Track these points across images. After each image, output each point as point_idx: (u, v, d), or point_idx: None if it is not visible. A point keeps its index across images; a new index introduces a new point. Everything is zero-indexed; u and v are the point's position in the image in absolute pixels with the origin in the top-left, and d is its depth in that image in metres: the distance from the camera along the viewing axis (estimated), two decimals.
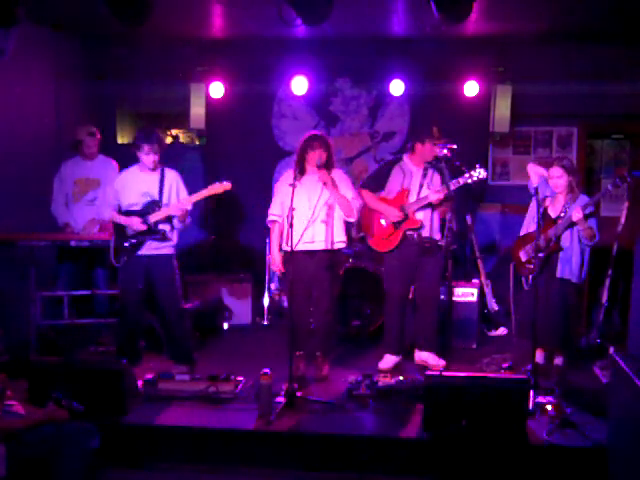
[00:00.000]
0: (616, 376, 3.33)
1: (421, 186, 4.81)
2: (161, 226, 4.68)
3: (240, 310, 6.25)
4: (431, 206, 4.79)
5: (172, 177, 4.81)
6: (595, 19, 5.53)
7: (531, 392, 3.92)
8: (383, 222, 4.85)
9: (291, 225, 4.25)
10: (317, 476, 3.65)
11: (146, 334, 5.51)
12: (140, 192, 4.70)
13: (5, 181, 5.22)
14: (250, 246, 6.76)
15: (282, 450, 3.73)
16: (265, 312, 6.30)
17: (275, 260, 4.74)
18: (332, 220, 4.65)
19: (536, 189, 4.36)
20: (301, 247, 4.54)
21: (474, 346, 5.51)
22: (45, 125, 5.95)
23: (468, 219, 6.18)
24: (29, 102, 5.68)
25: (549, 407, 3.97)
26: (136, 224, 4.64)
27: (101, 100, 6.79)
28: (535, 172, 4.67)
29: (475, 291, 5.57)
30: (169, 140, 7.78)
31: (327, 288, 4.66)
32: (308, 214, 4.57)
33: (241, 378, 4.41)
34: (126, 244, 4.67)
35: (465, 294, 5.55)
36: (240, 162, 6.71)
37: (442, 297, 5.30)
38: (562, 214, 4.51)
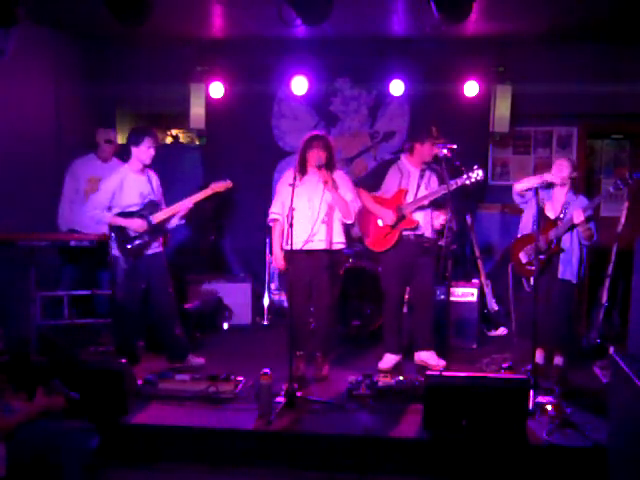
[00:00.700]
0: (616, 376, 3.33)
1: (419, 186, 4.81)
2: (165, 225, 4.77)
3: (240, 310, 6.25)
4: (431, 206, 4.80)
5: (155, 177, 4.91)
6: (595, 19, 5.53)
7: (531, 392, 3.92)
8: (380, 222, 4.85)
9: (291, 225, 4.24)
10: (317, 476, 3.65)
11: (145, 334, 5.54)
12: (138, 193, 4.72)
13: (5, 181, 5.22)
14: (250, 246, 6.76)
15: (282, 450, 3.73)
16: (265, 312, 6.31)
17: (277, 257, 4.74)
18: (332, 220, 4.65)
19: (536, 189, 4.36)
20: (302, 247, 4.55)
21: (474, 346, 5.51)
22: (45, 125, 5.95)
23: (468, 219, 6.18)
24: (29, 102, 5.68)
25: (549, 407, 3.96)
26: (139, 225, 4.65)
27: (101, 100, 6.79)
28: (532, 181, 4.65)
29: (475, 291, 5.57)
30: (169, 140, 7.79)
31: (327, 288, 4.66)
32: (308, 214, 4.57)
33: (241, 378, 4.42)
34: (129, 246, 4.66)
35: (465, 294, 5.55)
36: (240, 162, 6.71)
37: (442, 297, 5.31)
38: (562, 215, 4.52)
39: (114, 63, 6.73)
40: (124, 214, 4.68)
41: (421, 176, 4.83)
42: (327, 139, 4.63)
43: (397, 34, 6.24)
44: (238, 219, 6.86)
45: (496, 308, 6.04)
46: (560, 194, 4.64)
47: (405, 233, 4.78)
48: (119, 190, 4.67)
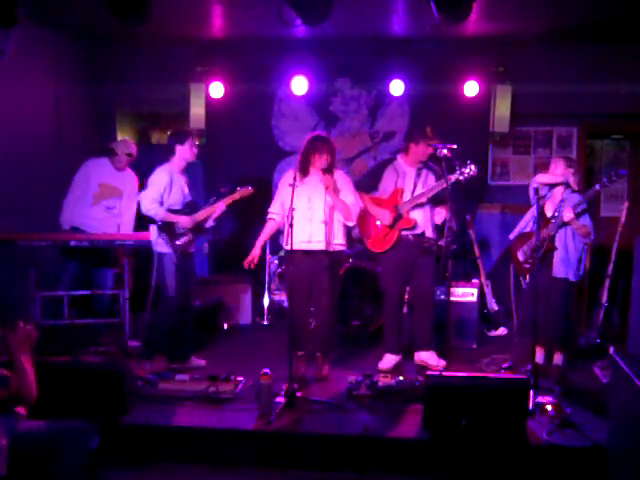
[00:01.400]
0: (616, 376, 3.33)
1: (415, 185, 4.82)
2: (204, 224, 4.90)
3: (240, 310, 6.25)
4: (429, 205, 4.80)
5: (185, 178, 4.98)
6: (595, 19, 5.53)
7: (531, 392, 3.92)
8: (379, 223, 4.85)
9: (291, 225, 4.25)
10: (317, 476, 3.64)
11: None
12: (181, 192, 4.82)
13: (5, 181, 5.23)
14: (250, 246, 6.75)
15: (282, 450, 3.73)
16: (265, 312, 6.31)
17: (254, 253, 4.70)
18: (332, 221, 4.65)
19: (536, 189, 4.38)
20: (301, 247, 4.56)
21: (474, 346, 5.51)
22: (45, 125, 5.95)
23: (468, 219, 6.18)
24: (29, 102, 5.68)
25: (549, 407, 3.96)
26: (187, 222, 4.74)
27: (101, 100, 6.80)
28: (545, 181, 4.66)
29: (475, 291, 5.57)
30: None
31: (327, 288, 4.66)
32: (308, 214, 4.57)
33: (241, 378, 4.41)
34: (178, 242, 4.74)
35: (465, 294, 5.55)
36: (240, 162, 6.71)
37: (442, 297, 5.31)
38: (556, 213, 4.53)
39: (114, 63, 6.73)
40: (172, 211, 4.75)
41: (417, 175, 4.84)
42: (331, 141, 4.64)
43: (397, 34, 6.25)
44: (237, 219, 6.86)
45: (496, 308, 6.04)
46: (558, 193, 4.65)
47: (404, 233, 4.78)
48: (169, 187, 4.74)
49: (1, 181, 5.20)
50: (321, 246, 4.60)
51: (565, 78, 6.31)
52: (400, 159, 4.90)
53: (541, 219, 4.44)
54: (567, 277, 4.56)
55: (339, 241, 4.69)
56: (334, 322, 4.87)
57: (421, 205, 4.79)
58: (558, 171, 4.60)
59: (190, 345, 4.94)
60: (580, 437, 3.66)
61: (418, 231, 4.80)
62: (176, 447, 3.76)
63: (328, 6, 4.28)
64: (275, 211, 4.78)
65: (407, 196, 4.81)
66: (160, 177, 4.74)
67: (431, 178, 4.85)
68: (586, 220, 4.51)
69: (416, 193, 4.79)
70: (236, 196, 4.87)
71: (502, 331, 6.00)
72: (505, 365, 4.38)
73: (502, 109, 6.33)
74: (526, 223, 4.80)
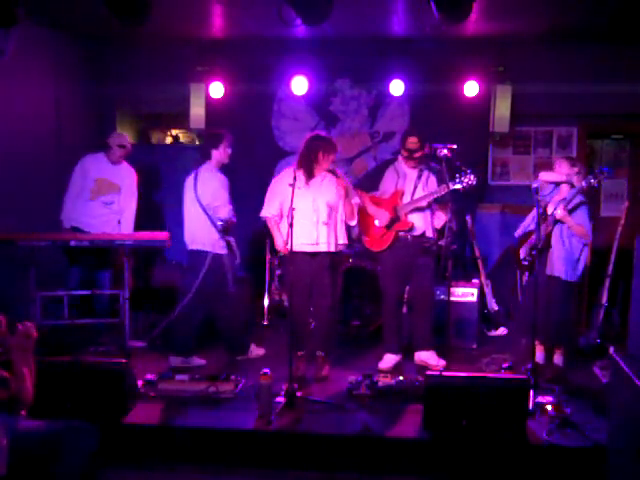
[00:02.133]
0: (616, 376, 3.33)
1: (415, 187, 4.80)
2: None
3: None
4: (430, 208, 4.79)
5: None
6: (595, 19, 5.53)
7: (531, 392, 3.92)
8: (377, 222, 4.85)
9: (291, 225, 4.24)
10: (317, 476, 3.65)
11: (147, 333, 5.55)
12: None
13: (5, 181, 5.23)
14: (250, 246, 6.76)
15: (282, 450, 3.73)
16: (265, 312, 6.30)
17: (281, 244, 4.65)
18: (334, 221, 4.65)
19: (536, 189, 4.37)
20: (305, 249, 4.55)
21: (474, 346, 5.51)
22: (45, 125, 5.95)
23: (468, 219, 6.18)
24: (29, 102, 5.68)
25: (549, 407, 3.97)
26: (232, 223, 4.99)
27: (101, 100, 6.80)
28: (548, 179, 4.67)
29: (475, 291, 5.57)
30: (169, 140, 7.79)
31: (327, 288, 4.66)
32: (311, 215, 4.55)
33: (241, 378, 4.41)
34: (229, 239, 4.93)
35: (465, 294, 5.55)
36: (240, 162, 6.70)
37: (442, 297, 5.31)
38: (554, 210, 4.53)
39: (114, 63, 6.73)
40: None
41: (418, 176, 4.82)
42: (333, 141, 4.64)
43: (397, 34, 6.24)
44: (237, 218, 6.84)
45: (496, 308, 6.04)
46: (563, 192, 4.66)
47: (402, 234, 4.78)
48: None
49: (1, 181, 5.20)
50: (327, 247, 4.60)
51: (565, 78, 6.31)
52: (401, 159, 4.89)
53: (542, 218, 4.45)
54: (559, 276, 4.58)
55: (341, 241, 4.70)
56: (334, 322, 4.88)
57: (420, 208, 4.78)
58: (563, 170, 4.61)
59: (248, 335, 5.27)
60: (580, 437, 3.66)
61: (416, 233, 4.79)
62: (176, 447, 3.76)
63: (328, 6, 4.28)
64: (275, 212, 4.70)
65: (407, 198, 4.80)
66: (222, 180, 4.96)
67: (432, 180, 4.84)
68: (583, 219, 4.51)
69: (416, 195, 4.78)
70: None
71: (502, 331, 6.00)
72: (505, 365, 4.38)
73: (502, 109, 6.33)
74: (530, 221, 4.81)
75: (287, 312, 4.61)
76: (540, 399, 4.05)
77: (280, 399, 4.03)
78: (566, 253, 4.56)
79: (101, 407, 3.80)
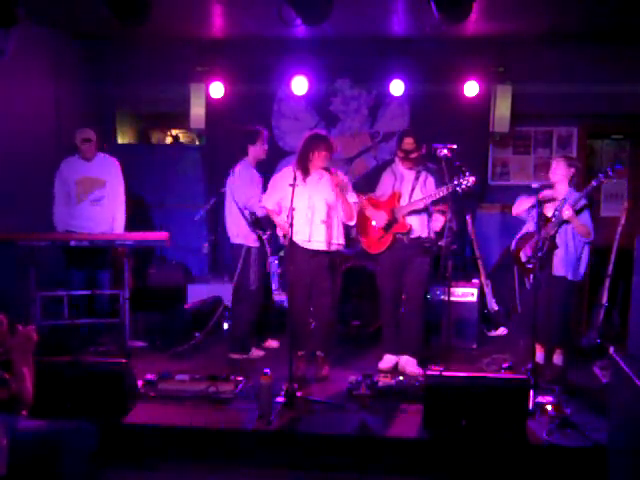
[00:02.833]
0: (616, 376, 3.33)
1: (413, 189, 4.76)
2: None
3: None
4: (427, 211, 4.77)
5: None
6: (595, 19, 5.53)
7: (531, 392, 3.92)
8: (374, 223, 4.83)
9: (291, 225, 4.24)
10: (317, 476, 3.65)
11: (147, 333, 5.55)
12: (259, 188, 5.11)
13: (5, 181, 5.22)
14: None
15: (282, 450, 3.73)
16: None
17: (283, 225, 4.64)
18: (332, 221, 4.65)
19: (536, 189, 4.38)
20: (304, 246, 4.57)
21: (474, 346, 5.51)
22: (45, 125, 5.95)
23: (468, 219, 6.18)
24: (29, 102, 5.68)
25: (549, 407, 3.97)
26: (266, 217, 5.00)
27: (101, 100, 6.79)
28: (524, 203, 4.77)
29: (475, 291, 5.57)
30: (169, 140, 7.79)
31: (327, 288, 4.66)
32: (308, 214, 4.56)
33: (241, 378, 4.41)
34: (265, 237, 5.08)
35: (465, 294, 5.55)
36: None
37: (442, 297, 5.31)
38: (556, 212, 4.54)
39: (114, 63, 6.73)
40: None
41: (416, 178, 4.78)
42: (330, 140, 4.63)
43: (397, 34, 6.24)
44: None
45: (496, 308, 6.04)
46: (560, 193, 4.66)
47: (399, 236, 4.76)
48: (256, 186, 5.10)
49: (1, 181, 5.20)
50: (321, 246, 4.60)
51: (565, 78, 6.31)
52: (398, 161, 4.85)
53: (541, 220, 4.45)
54: (566, 276, 4.57)
55: (339, 241, 4.69)
56: (334, 322, 4.88)
57: (418, 210, 4.75)
58: (559, 172, 4.62)
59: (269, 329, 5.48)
60: (580, 437, 3.66)
61: (414, 235, 4.77)
62: (176, 447, 3.76)
63: (328, 6, 4.28)
64: (271, 208, 4.75)
65: (405, 200, 4.76)
66: (252, 176, 5.12)
67: (430, 181, 4.79)
68: (586, 219, 4.52)
69: (414, 197, 4.73)
70: None
71: (502, 331, 6.00)
72: (505, 365, 4.38)
73: (502, 109, 6.33)
74: (526, 228, 4.81)
75: (287, 312, 4.61)
76: (540, 399, 4.04)
77: (280, 399, 4.03)
78: (570, 253, 4.56)
79: (101, 407, 3.80)
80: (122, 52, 6.67)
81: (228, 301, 6.15)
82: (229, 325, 5.73)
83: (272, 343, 5.49)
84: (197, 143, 7.30)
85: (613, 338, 5.20)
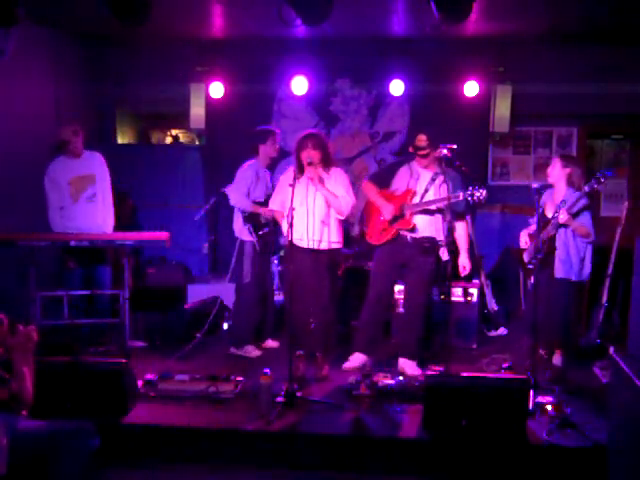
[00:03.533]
0: (616, 376, 3.33)
1: (426, 190, 4.73)
2: None
3: None
4: (440, 213, 4.73)
5: (269, 174, 5.38)
6: (595, 19, 5.53)
7: (531, 392, 3.92)
8: (382, 217, 4.82)
9: (291, 225, 4.25)
10: (317, 476, 3.64)
11: (147, 333, 5.55)
12: (265, 186, 5.22)
13: (5, 181, 5.22)
14: None
15: (282, 450, 3.73)
16: None
17: (276, 214, 4.89)
18: (329, 219, 4.65)
19: (537, 190, 4.39)
20: (298, 243, 4.58)
21: (474, 346, 5.51)
22: (45, 125, 5.94)
23: (468, 219, 6.16)
24: (29, 102, 5.68)
25: (549, 407, 3.96)
26: (269, 213, 5.05)
27: (101, 100, 6.80)
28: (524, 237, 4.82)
29: (475, 291, 5.57)
30: (169, 140, 7.79)
31: (326, 288, 4.66)
32: (303, 213, 4.57)
33: (241, 378, 4.41)
34: (261, 232, 5.12)
35: (465, 294, 5.55)
36: (240, 162, 6.68)
37: (442, 297, 5.30)
38: (555, 214, 4.55)
39: (114, 63, 6.73)
40: (256, 204, 5.13)
41: (432, 180, 4.72)
42: (319, 137, 4.64)
43: (397, 34, 6.25)
44: None
45: (496, 308, 6.04)
46: (559, 194, 4.67)
47: (402, 233, 4.76)
48: (255, 182, 5.16)
49: (1, 181, 5.20)
50: (315, 245, 4.61)
51: (565, 78, 6.31)
52: (416, 159, 4.81)
53: (542, 220, 4.46)
54: (569, 277, 4.58)
55: (335, 239, 4.69)
56: (333, 321, 4.87)
57: (429, 211, 4.73)
58: (555, 172, 4.64)
59: (269, 330, 5.46)
60: (580, 437, 3.66)
61: (417, 235, 4.76)
62: (176, 447, 3.76)
63: (328, 6, 4.28)
64: (277, 208, 4.87)
65: (417, 199, 4.74)
66: (248, 173, 5.17)
67: (444, 188, 4.68)
68: (586, 220, 4.52)
69: (426, 198, 4.72)
70: None
71: (502, 331, 6.00)
72: (505, 365, 4.38)
73: (502, 109, 6.34)
74: (531, 228, 4.82)
75: (286, 312, 4.62)
76: (540, 399, 4.04)
77: (280, 399, 4.03)
78: (571, 255, 4.57)
79: (101, 407, 3.80)
80: (122, 52, 6.67)
81: (228, 301, 6.18)
82: (229, 325, 5.77)
83: (271, 343, 5.49)
84: (197, 143, 7.30)
85: (613, 338, 5.20)
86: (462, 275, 4.85)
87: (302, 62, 6.42)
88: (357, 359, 4.82)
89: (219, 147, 6.83)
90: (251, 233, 5.11)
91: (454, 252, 4.72)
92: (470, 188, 4.54)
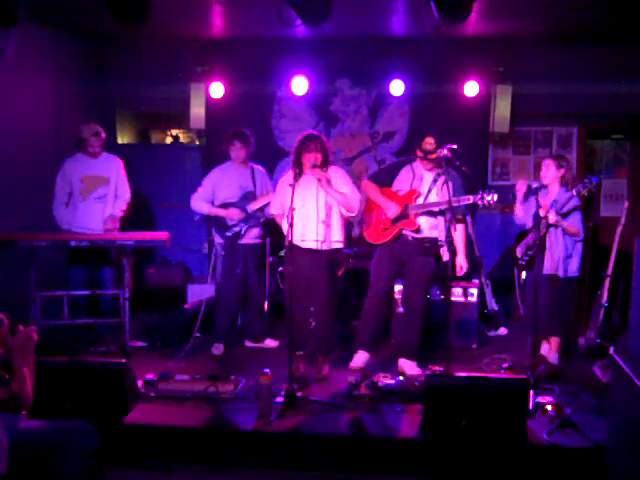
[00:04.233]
0: (616, 376, 3.34)
1: (429, 191, 4.73)
2: (259, 214, 5.26)
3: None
4: (443, 213, 4.72)
5: (260, 172, 5.44)
6: (595, 19, 5.53)
7: (531, 392, 3.92)
8: (384, 216, 4.80)
9: (291, 225, 4.25)
10: (317, 476, 3.65)
11: (147, 333, 5.55)
12: (238, 185, 5.25)
13: (5, 181, 5.22)
14: None
15: (282, 450, 3.73)
16: (265, 312, 6.28)
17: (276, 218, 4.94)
18: (331, 220, 4.65)
19: (536, 189, 4.42)
20: (301, 245, 4.58)
21: (474, 346, 5.51)
22: (45, 125, 5.94)
23: (468, 219, 6.17)
24: (29, 102, 5.67)
25: (549, 407, 3.97)
26: (235, 214, 5.18)
27: (101, 100, 6.80)
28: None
29: (475, 291, 5.57)
30: (169, 140, 7.79)
31: (326, 288, 4.66)
32: (303, 214, 4.57)
33: (241, 378, 4.42)
34: (228, 234, 5.14)
35: (465, 294, 5.55)
36: None
37: (442, 297, 5.30)
38: (546, 214, 4.58)
39: (114, 63, 6.73)
40: (224, 205, 5.23)
41: (434, 180, 4.72)
42: (321, 139, 4.63)
43: (397, 34, 6.25)
44: None
45: (496, 308, 6.04)
46: (552, 194, 4.71)
47: (405, 232, 4.76)
48: (219, 184, 5.26)
49: (1, 181, 5.20)
50: (317, 245, 4.60)
51: (565, 78, 6.31)
52: (419, 161, 4.80)
53: (538, 219, 4.48)
54: (557, 274, 4.63)
55: (337, 239, 4.69)
56: (333, 322, 4.87)
57: (432, 213, 4.72)
58: (550, 173, 4.70)
59: (263, 329, 5.50)
60: (580, 437, 3.66)
61: (419, 235, 4.76)
62: (176, 447, 3.76)
63: (328, 6, 4.28)
64: (275, 212, 4.86)
65: (421, 200, 4.73)
66: (210, 176, 5.34)
67: (446, 188, 4.63)
68: (576, 220, 4.61)
69: (429, 199, 4.71)
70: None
71: (502, 331, 6.00)
72: (505, 365, 4.38)
73: (502, 109, 6.33)
74: (528, 221, 4.84)
75: (286, 312, 4.62)
76: (540, 399, 4.05)
77: (280, 399, 4.03)
78: (558, 251, 4.65)
79: (101, 407, 3.80)
80: (122, 52, 6.67)
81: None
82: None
83: (270, 343, 5.49)
84: (197, 143, 7.29)
85: (613, 338, 5.20)
86: (458, 275, 4.85)
87: (302, 62, 6.41)
88: (361, 358, 4.82)
89: (219, 147, 6.79)
90: (217, 235, 5.21)
91: (453, 252, 4.71)
92: (480, 192, 4.53)
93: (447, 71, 6.35)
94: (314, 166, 4.52)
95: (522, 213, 4.85)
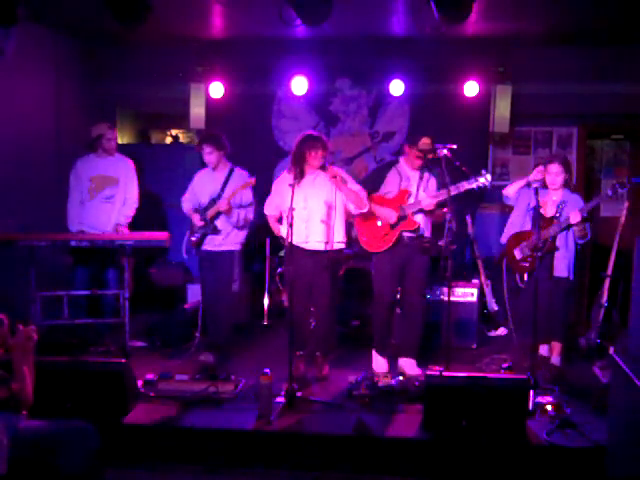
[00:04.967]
0: (616, 376, 3.33)
1: (418, 189, 4.76)
2: (217, 222, 5.03)
3: (239, 310, 6.24)
4: (425, 211, 4.75)
5: (238, 176, 5.14)
6: (595, 19, 5.53)
7: (531, 392, 3.92)
8: (379, 222, 4.81)
9: (291, 225, 4.24)
10: (317, 476, 3.64)
11: (147, 333, 5.55)
12: (208, 191, 5.10)
13: (5, 181, 5.22)
14: (249, 246, 6.75)
15: (282, 450, 3.73)
16: (265, 312, 6.29)
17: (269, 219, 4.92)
18: (331, 220, 4.64)
19: (536, 189, 4.41)
20: (302, 246, 4.57)
21: (474, 346, 5.51)
22: (45, 125, 5.95)
23: (468, 219, 6.17)
24: (29, 102, 5.67)
25: (549, 407, 3.97)
26: (196, 220, 5.06)
27: (101, 100, 6.79)
28: (517, 183, 4.86)
29: (475, 291, 5.57)
30: (169, 140, 7.79)
31: (327, 288, 4.66)
32: (304, 215, 4.56)
33: (241, 378, 4.42)
34: (193, 238, 5.13)
35: (465, 294, 5.55)
36: (240, 162, 6.68)
37: (442, 297, 5.30)
38: (557, 214, 4.58)
39: (114, 63, 6.72)
40: (196, 210, 5.14)
41: (420, 178, 4.76)
42: (324, 139, 4.62)
43: (397, 34, 6.24)
44: None
45: (496, 308, 6.04)
46: (555, 193, 4.71)
47: (404, 234, 4.75)
48: (198, 189, 5.17)
49: (1, 181, 5.20)
50: (320, 246, 4.60)
51: (565, 78, 6.31)
52: (402, 161, 4.83)
53: (540, 219, 4.47)
54: (567, 276, 4.64)
55: (339, 239, 4.68)
56: (334, 322, 4.87)
57: (425, 210, 4.73)
58: (559, 178, 4.69)
59: (228, 336, 5.21)
60: (580, 437, 3.66)
61: (418, 235, 4.76)
62: (176, 447, 3.76)
63: (328, 6, 4.28)
64: (271, 213, 4.87)
65: (412, 199, 4.74)
66: (193, 180, 5.26)
67: (433, 183, 4.78)
68: (586, 222, 4.60)
69: (419, 197, 4.73)
70: (236, 189, 4.95)
71: (502, 331, 6.00)
72: (505, 365, 4.38)
73: (502, 109, 6.33)
74: (518, 224, 4.83)
75: (287, 312, 4.62)
76: (540, 399, 4.05)
77: (280, 399, 4.04)
78: (570, 254, 4.66)
79: (101, 407, 3.80)
80: (122, 52, 6.66)
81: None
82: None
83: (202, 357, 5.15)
84: (197, 143, 7.28)
85: (613, 338, 5.20)
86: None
87: (302, 62, 6.41)
88: (384, 363, 4.84)
89: None
90: (189, 237, 5.16)
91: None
92: (472, 177, 4.54)
93: (447, 71, 6.35)
94: (322, 167, 4.51)
95: (514, 196, 4.83)
